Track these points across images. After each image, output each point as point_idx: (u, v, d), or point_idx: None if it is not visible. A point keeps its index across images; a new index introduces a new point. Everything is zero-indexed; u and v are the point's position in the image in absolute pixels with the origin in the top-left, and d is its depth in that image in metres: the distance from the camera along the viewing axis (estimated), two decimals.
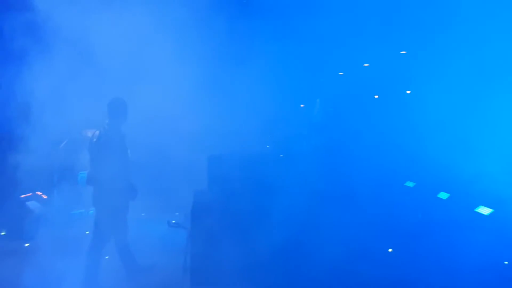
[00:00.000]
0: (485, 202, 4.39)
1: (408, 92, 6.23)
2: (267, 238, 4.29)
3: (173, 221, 5.20)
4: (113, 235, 4.81)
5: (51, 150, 6.14)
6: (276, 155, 5.66)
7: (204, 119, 6.23)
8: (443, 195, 4.71)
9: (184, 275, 4.68)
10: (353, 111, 6.25)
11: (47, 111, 5.36)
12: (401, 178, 5.01)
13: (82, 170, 5.27)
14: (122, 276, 4.86)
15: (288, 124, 6.65)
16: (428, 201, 4.71)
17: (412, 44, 5.95)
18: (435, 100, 5.18)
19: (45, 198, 6.38)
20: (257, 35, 6.59)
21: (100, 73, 5.36)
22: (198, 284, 4.54)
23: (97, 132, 4.72)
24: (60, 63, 5.27)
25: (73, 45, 5.34)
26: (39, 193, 6.39)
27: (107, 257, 4.91)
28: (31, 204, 6.22)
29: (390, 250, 4.49)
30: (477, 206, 4.41)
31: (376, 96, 6.66)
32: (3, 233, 6.22)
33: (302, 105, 7.65)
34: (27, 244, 5.82)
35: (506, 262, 3.95)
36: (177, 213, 6.06)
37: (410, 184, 4.99)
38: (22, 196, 6.22)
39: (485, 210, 4.34)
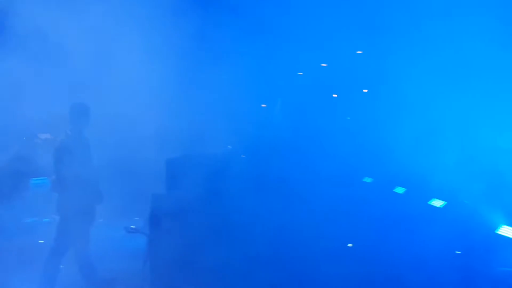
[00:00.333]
0: (440, 195, 4.56)
1: (365, 90, 6.37)
2: (227, 240, 4.26)
3: (132, 226, 5.06)
4: (75, 243, 4.64)
5: (1, 155, 5.86)
6: (238, 156, 5.64)
7: (164, 121, 6.14)
8: (399, 190, 4.86)
9: (144, 284, 4.55)
10: (313, 109, 6.33)
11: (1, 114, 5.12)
12: (360, 174, 5.11)
13: (35, 177, 5.05)
14: None
15: (250, 124, 6.65)
16: (385, 195, 4.83)
17: (367, 44, 6.07)
18: (391, 98, 5.33)
19: None
20: (219, 36, 6.56)
21: (60, 74, 5.22)
22: None
23: (60, 138, 4.61)
24: (17, 63, 5.05)
25: (32, 45, 5.13)
26: None
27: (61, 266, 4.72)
28: None
29: (349, 245, 4.57)
30: (431, 199, 4.57)
31: (334, 95, 6.78)
32: None
33: (263, 105, 7.68)
34: None
35: (458, 252, 4.10)
36: (137, 218, 5.92)
37: (368, 179, 5.11)
38: None
39: (438, 203, 4.50)
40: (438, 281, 3.88)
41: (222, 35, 6.53)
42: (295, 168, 4.98)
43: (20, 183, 6.01)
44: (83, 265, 4.68)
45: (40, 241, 4.91)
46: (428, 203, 4.53)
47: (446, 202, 4.53)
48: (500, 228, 4.04)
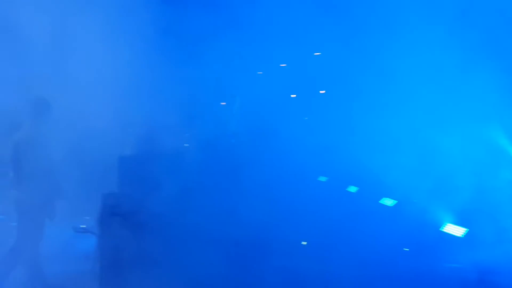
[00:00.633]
0: (392, 194, 4.67)
1: (322, 92, 6.44)
2: (178, 240, 4.20)
3: (82, 226, 4.90)
4: (27, 242, 4.46)
5: None
6: (195, 154, 5.56)
7: (119, 117, 5.97)
8: (352, 189, 4.94)
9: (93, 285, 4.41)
10: (270, 109, 6.34)
11: None
12: (314, 173, 5.17)
13: None
14: None
15: (207, 122, 6.59)
16: (339, 194, 4.90)
17: (324, 45, 6.14)
18: (345, 97, 5.42)
19: None
20: (177, 33, 6.46)
21: (19, 68, 5.05)
22: None
23: (19, 133, 4.43)
24: None
25: None
26: None
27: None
28: None
29: (304, 243, 4.60)
30: (383, 198, 4.68)
31: (293, 96, 6.82)
32: None
33: (223, 103, 7.63)
34: None
35: (407, 249, 4.22)
36: (87, 217, 5.72)
37: (322, 178, 5.17)
38: None
39: (389, 202, 4.61)
40: (386, 277, 3.98)
41: (181, 32, 6.45)
42: (251, 166, 4.97)
43: None
44: (31, 265, 4.52)
45: None
46: (380, 202, 4.63)
47: (397, 201, 4.64)
48: (445, 226, 4.20)
